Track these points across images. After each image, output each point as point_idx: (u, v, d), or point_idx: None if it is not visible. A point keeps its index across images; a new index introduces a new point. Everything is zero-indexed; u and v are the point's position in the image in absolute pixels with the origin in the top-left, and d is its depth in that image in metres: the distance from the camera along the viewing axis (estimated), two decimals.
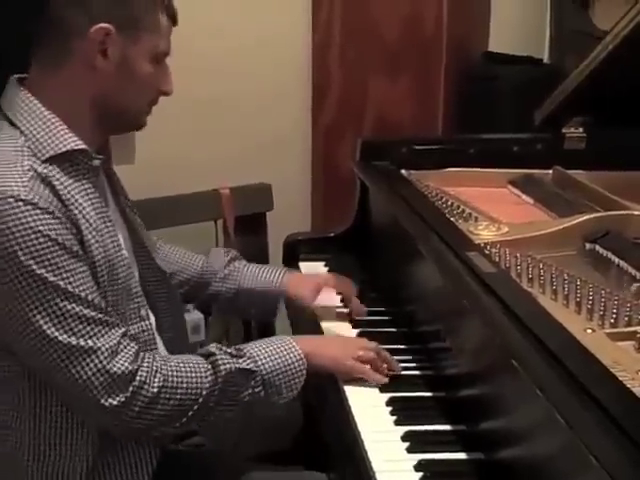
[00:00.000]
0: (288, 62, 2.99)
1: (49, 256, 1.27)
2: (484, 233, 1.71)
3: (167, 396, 1.34)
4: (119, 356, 1.32)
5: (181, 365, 1.37)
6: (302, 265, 2.09)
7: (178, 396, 1.35)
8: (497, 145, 2.22)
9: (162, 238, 1.85)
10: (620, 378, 1.11)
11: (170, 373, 1.36)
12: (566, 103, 2.13)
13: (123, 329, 1.36)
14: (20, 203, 1.26)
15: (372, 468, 1.25)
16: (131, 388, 1.32)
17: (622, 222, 1.73)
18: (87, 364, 1.30)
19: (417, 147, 2.17)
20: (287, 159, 3.06)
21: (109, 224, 1.41)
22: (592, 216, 1.75)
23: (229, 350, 1.43)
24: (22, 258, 1.26)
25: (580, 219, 1.73)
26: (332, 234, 2.16)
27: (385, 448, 1.31)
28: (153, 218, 2.27)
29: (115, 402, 1.31)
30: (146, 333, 1.46)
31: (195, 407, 1.37)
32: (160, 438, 1.46)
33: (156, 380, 1.34)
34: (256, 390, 1.42)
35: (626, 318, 1.35)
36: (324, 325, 1.75)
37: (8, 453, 1.41)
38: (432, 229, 1.63)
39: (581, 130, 2.21)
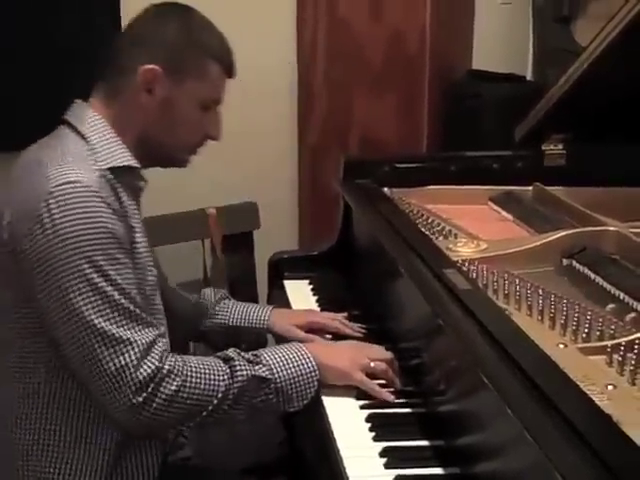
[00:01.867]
0: (274, 82, 3.03)
1: (105, 246, 1.36)
2: (463, 250, 1.74)
3: (185, 396, 1.40)
4: (151, 355, 1.38)
5: (200, 367, 1.43)
6: (286, 283, 2.11)
7: (195, 397, 1.41)
8: (478, 162, 2.25)
9: None
10: (589, 392, 1.13)
11: (189, 374, 1.41)
12: (545, 120, 2.16)
13: (158, 331, 1.42)
14: (90, 193, 1.36)
15: None
16: (152, 385, 1.37)
17: (599, 238, 1.76)
18: (120, 355, 1.36)
19: (399, 165, 2.20)
20: (274, 178, 3.09)
21: (146, 238, 1.50)
22: (569, 232, 1.78)
23: (247, 356, 1.48)
24: (82, 243, 1.34)
25: (557, 235, 1.76)
26: (316, 252, 2.18)
27: (363, 464, 1.32)
28: None
29: (135, 399, 1.36)
30: (165, 340, 1.51)
31: (209, 407, 1.42)
32: (164, 444, 1.53)
33: (176, 380, 1.39)
34: (269, 397, 1.46)
35: (598, 333, 1.37)
36: None
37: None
38: (410, 246, 1.66)
39: (560, 147, 2.24)
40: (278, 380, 1.46)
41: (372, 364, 1.53)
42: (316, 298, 2.01)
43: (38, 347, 1.43)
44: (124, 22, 2.80)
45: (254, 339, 1.85)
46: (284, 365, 1.48)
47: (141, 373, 1.36)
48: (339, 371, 1.51)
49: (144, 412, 1.38)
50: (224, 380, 1.43)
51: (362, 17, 2.88)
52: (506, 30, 3.39)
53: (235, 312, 1.83)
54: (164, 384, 1.38)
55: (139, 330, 1.38)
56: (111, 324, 1.35)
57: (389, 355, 1.57)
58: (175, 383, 1.39)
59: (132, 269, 1.41)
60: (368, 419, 1.45)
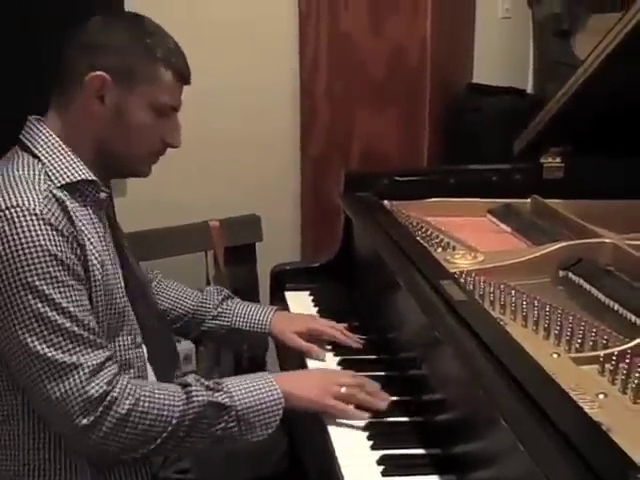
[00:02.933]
0: (276, 96, 3.07)
1: (49, 269, 1.34)
2: (460, 262, 1.76)
3: (136, 420, 1.37)
4: (98, 377, 1.35)
5: (155, 392, 1.40)
6: (288, 295, 2.13)
7: (147, 422, 1.37)
8: (477, 175, 2.28)
9: (158, 271, 1.92)
10: (580, 401, 1.16)
11: (142, 397, 1.38)
12: (543, 133, 2.19)
13: (109, 353, 1.39)
14: (33, 217, 1.34)
15: None
16: (101, 408, 1.34)
17: (595, 250, 1.78)
18: (65, 380, 1.33)
19: (399, 178, 2.23)
20: (276, 191, 3.12)
21: (111, 254, 1.49)
22: (565, 244, 1.80)
23: (207, 383, 1.45)
24: (25, 268, 1.32)
25: (553, 247, 1.79)
26: (317, 264, 2.21)
27: (361, 472, 1.35)
28: (144, 250, 2.33)
29: (85, 421, 1.33)
30: (140, 360, 1.52)
31: (164, 435, 1.38)
32: (145, 463, 1.50)
33: (127, 402, 1.36)
34: (229, 425, 1.43)
35: (591, 343, 1.40)
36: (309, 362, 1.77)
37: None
38: (408, 258, 1.68)
39: (559, 160, 2.26)
40: (239, 408, 1.43)
41: (343, 389, 1.50)
42: (317, 309, 2.03)
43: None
44: None
45: (255, 342, 1.86)
46: (246, 393, 1.45)
47: (88, 396, 1.33)
48: (309, 400, 1.49)
49: (93, 435, 1.35)
50: (178, 406, 1.39)
51: (363, 31, 2.91)
52: (507, 44, 3.43)
53: (238, 314, 1.83)
54: (114, 407, 1.35)
55: (86, 353, 1.35)
56: (55, 350, 1.33)
57: (360, 379, 1.54)
58: (126, 406, 1.36)
59: (85, 289, 1.38)
60: (365, 428, 1.48)
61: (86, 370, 1.34)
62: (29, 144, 1.47)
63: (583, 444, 0.97)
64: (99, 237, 1.47)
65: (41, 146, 1.46)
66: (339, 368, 1.71)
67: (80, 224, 1.42)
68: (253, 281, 2.83)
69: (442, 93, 3.01)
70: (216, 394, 1.43)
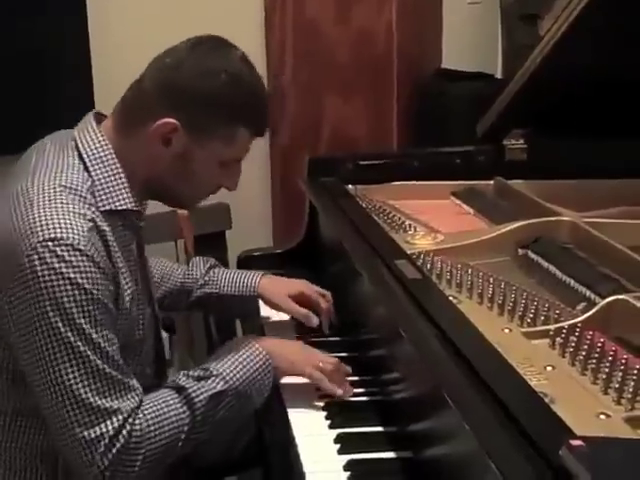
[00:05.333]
0: None
1: (89, 309, 1.28)
2: (420, 242, 1.77)
3: (150, 456, 1.34)
4: (129, 424, 1.31)
5: (159, 416, 1.36)
6: None
7: (162, 449, 1.35)
8: (440, 158, 2.28)
9: None
10: (527, 374, 1.18)
11: (152, 432, 1.34)
12: (504, 114, 2.20)
13: (142, 395, 1.36)
14: (76, 253, 1.28)
15: None
16: (123, 455, 1.31)
17: (553, 228, 1.80)
18: (97, 425, 1.29)
19: (362, 162, 2.24)
20: (246, 179, 3.10)
21: (138, 285, 1.46)
22: (523, 223, 1.81)
23: (196, 374, 1.43)
24: (64, 305, 1.27)
25: (511, 226, 1.79)
26: (281, 250, 2.21)
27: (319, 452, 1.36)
28: None
29: (105, 471, 1.30)
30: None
31: (179, 444, 1.38)
32: None
33: (142, 447, 1.32)
34: (232, 404, 1.44)
35: (543, 318, 1.41)
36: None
37: None
38: (365, 240, 1.69)
39: (522, 142, 2.27)
40: (235, 385, 1.43)
41: (320, 363, 1.52)
42: None
43: None
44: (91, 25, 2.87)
45: (246, 307, 1.85)
46: (236, 368, 1.45)
47: (115, 445, 1.30)
48: (290, 362, 1.51)
49: (114, 476, 1.32)
50: (185, 415, 1.38)
51: (329, 18, 2.93)
52: (475, 29, 3.44)
53: (224, 280, 1.82)
54: (132, 454, 1.32)
55: (121, 397, 1.31)
56: (92, 394, 1.29)
57: (336, 360, 1.55)
58: (142, 450, 1.32)
59: (114, 326, 1.34)
60: (324, 408, 1.49)
61: (124, 415, 1.31)
62: (82, 150, 1.39)
63: (520, 412, 0.99)
64: (131, 270, 1.42)
65: (95, 159, 1.39)
66: None
67: (117, 255, 1.37)
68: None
69: (410, 78, 3.03)
70: (210, 383, 1.42)
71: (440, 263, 1.65)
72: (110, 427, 1.29)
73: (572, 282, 1.57)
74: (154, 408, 1.37)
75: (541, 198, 1.97)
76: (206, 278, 1.85)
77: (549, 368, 1.24)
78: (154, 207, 2.75)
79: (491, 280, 1.57)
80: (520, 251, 1.77)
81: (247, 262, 2.23)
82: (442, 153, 2.30)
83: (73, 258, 1.27)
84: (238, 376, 1.45)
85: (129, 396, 1.33)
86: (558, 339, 1.32)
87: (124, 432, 1.31)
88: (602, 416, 1.10)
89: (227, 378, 1.44)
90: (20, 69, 2.77)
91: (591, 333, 1.31)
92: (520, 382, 1.10)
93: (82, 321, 1.28)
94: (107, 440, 1.29)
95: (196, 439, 1.42)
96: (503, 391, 1.05)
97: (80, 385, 1.28)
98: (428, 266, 1.64)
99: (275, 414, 1.53)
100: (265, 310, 1.89)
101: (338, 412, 1.47)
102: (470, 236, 1.80)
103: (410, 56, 3.01)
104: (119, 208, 1.39)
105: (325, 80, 2.97)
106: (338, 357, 1.61)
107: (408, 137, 3.02)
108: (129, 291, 1.40)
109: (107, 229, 1.35)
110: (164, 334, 2.80)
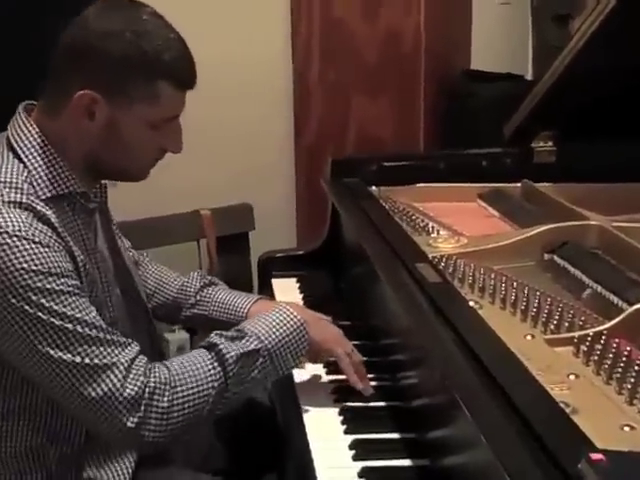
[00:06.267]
0: (269, 83, 3.05)
1: (49, 286, 1.28)
2: (442, 245, 1.74)
3: (180, 403, 1.34)
4: (133, 372, 1.32)
5: (187, 368, 1.37)
6: (274, 281, 2.11)
7: (191, 402, 1.35)
8: (467, 160, 2.24)
9: (146, 254, 1.88)
10: (548, 383, 1.13)
11: (177, 381, 1.35)
12: (532, 116, 2.15)
13: (137, 347, 1.36)
14: (15, 238, 1.28)
15: None
16: (143, 406, 1.31)
17: (580, 232, 1.75)
18: (102, 382, 1.30)
19: (386, 164, 2.20)
20: (270, 180, 3.10)
21: (99, 264, 1.45)
22: (550, 227, 1.76)
23: (229, 334, 1.43)
24: (25, 288, 1.27)
25: (537, 230, 1.75)
26: (302, 252, 2.18)
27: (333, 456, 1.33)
28: (135, 240, 2.29)
29: (131, 423, 1.30)
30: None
31: (211, 401, 1.37)
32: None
33: (166, 392, 1.33)
34: (265, 365, 1.42)
35: (567, 324, 1.36)
36: None
37: None
38: (387, 243, 1.66)
39: (550, 144, 2.23)
40: (269, 346, 1.42)
41: (352, 352, 1.50)
42: (302, 296, 2.01)
43: None
44: None
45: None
46: (270, 329, 1.43)
47: (129, 393, 1.30)
48: (324, 337, 1.49)
49: (145, 432, 1.32)
50: (215, 371, 1.37)
51: (357, 17, 2.89)
52: (505, 29, 3.39)
53: (215, 304, 1.73)
54: (155, 401, 1.32)
55: (115, 352, 1.32)
56: (82, 357, 1.29)
57: (360, 357, 1.53)
58: (166, 396, 1.33)
59: (86, 296, 1.34)
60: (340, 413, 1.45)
61: (121, 368, 1.31)
62: (15, 145, 1.39)
63: (539, 423, 0.95)
64: (87, 251, 1.42)
65: (27, 149, 1.38)
66: None
67: (67, 239, 1.35)
68: (246, 270, 2.81)
69: (438, 79, 2.98)
70: (242, 342, 1.41)
71: (462, 267, 1.61)
72: (115, 380, 1.30)
73: (599, 288, 1.52)
74: (180, 360, 1.39)
75: (569, 202, 1.92)
76: (197, 297, 1.76)
77: (572, 377, 1.19)
78: (177, 207, 2.76)
79: (514, 285, 1.52)
80: (546, 256, 1.72)
81: (267, 264, 2.20)
82: (468, 155, 2.26)
83: (15, 245, 1.27)
84: (273, 337, 1.43)
85: (121, 349, 1.33)
86: (582, 347, 1.27)
87: (134, 382, 1.30)
88: (626, 428, 1.06)
89: (262, 338, 1.42)
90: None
91: (617, 341, 1.27)
92: (539, 391, 1.06)
93: (44, 300, 1.28)
94: (116, 393, 1.29)
95: (229, 399, 1.40)
96: (522, 400, 1.01)
97: (68, 355, 1.29)
98: (450, 270, 1.60)
99: (290, 418, 1.51)
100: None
101: (354, 417, 1.44)
102: (494, 240, 1.75)
103: (438, 56, 2.96)
104: (60, 193, 1.37)
105: (352, 80, 2.94)
106: None
107: (435, 138, 2.97)
108: (84, 272, 1.38)
109: (51, 214, 1.34)
110: (185, 334, 2.81)
